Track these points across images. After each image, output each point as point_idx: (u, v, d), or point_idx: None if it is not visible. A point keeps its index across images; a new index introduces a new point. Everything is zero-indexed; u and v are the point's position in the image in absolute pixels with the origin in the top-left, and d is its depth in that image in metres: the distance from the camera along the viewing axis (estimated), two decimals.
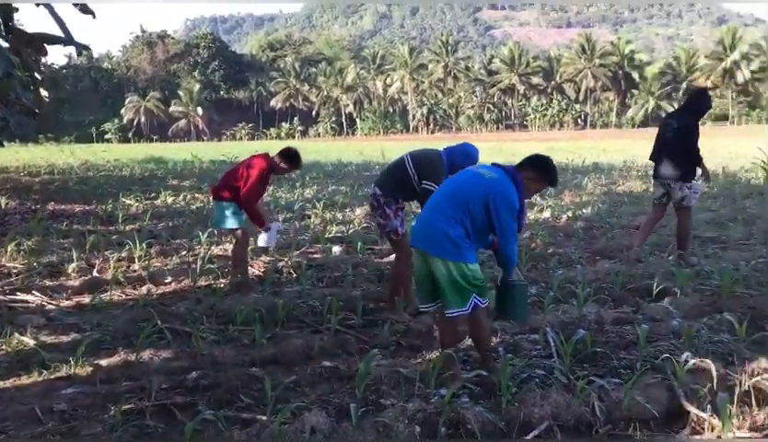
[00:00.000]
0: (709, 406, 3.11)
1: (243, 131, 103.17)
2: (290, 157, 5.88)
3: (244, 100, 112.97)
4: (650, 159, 6.91)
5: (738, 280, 5.47)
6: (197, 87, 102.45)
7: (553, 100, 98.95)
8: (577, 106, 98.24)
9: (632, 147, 34.06)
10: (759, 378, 3.34)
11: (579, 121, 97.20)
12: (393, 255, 6.88)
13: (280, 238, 6.82)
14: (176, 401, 3.43)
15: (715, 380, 3.24)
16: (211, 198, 6.24)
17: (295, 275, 6.22)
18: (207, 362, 4.00)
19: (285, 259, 6.77)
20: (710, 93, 6.78)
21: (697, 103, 6.65)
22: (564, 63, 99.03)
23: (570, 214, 9.61)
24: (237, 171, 5.83)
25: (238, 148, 39.67)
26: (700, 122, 6.60)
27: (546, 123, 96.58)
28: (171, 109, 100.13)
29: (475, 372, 3.51)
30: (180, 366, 3.96)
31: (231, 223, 5.82)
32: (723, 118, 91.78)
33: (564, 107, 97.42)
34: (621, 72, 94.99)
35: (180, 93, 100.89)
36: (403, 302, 5.05)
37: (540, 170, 3.69)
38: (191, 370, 3.87)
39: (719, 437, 2.90)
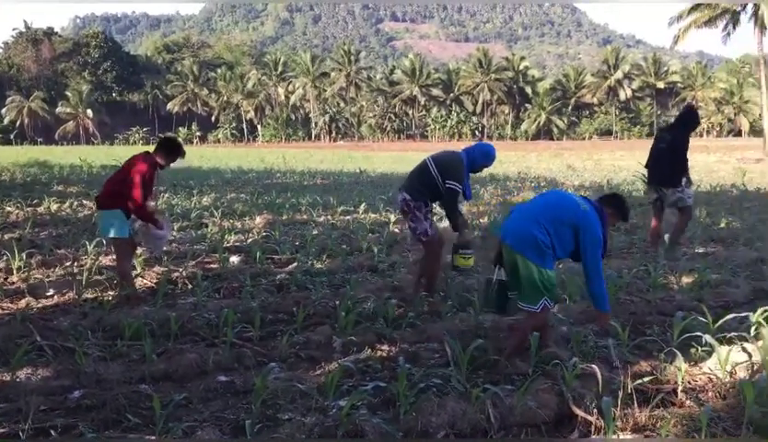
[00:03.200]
0: (595, 409, 3.24)
1: (137, 135, 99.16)
2: (169, 147, 5.70)
3: (138, 103, 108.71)
4: (645, 167, 7.82)
5: (622, 287, 5.79)
6: (87, 87, 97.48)
7: (452, 112, 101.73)
8: (475, 118, 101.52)
9: (525, 159, 35.57)
10: (640, 381, 3.54)
11: (477, 132, 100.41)
12: (294, 265, 6.85)
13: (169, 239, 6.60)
14: (55, 424, 3.20)
15: (600, 384, 3.39)
16: (95, 207, 5.87)
17: (190, 287, 6.00)
18: (91, 380, 3.75)
19: (180, 269, 6.52)
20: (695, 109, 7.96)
21: (688, 120, 7.59)
22: (462, 77, 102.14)
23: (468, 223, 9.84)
24: (119, 177, 5.58)
25: (132, 153, 38.09)
26: (692, 135, 7.66)
27: (446, 134, 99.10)
28: (58, 110, 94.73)
29: (373, 384, 3.51)
30: (60, 386, 3.70)
31: (116, 232, 5.49)
32: (607, 133, 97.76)
33: (463, 118, 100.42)
34: (515, 86, 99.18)
35: (69, 94, 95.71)
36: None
37: (618, 207, 4.23)
38: (73, 389, 3.62)
39: (604, 439, 3.03)
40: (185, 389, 3.65)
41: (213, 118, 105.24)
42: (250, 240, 8.41)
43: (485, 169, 5.94)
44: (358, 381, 3.75)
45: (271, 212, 11.03)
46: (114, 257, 6.94)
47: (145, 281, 6.14)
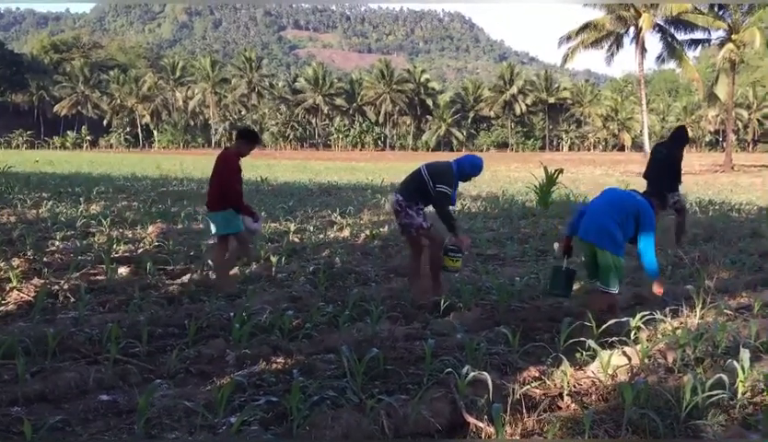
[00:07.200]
0: (486, 416, 3.30)
1: (21, 138, 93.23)
2: (249, 136, 6.28)
3: (22, 104, 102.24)
4: (643, 177, 8.99)
5: (513, 294, 5.96)
6: None
7: (355, 122, 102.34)
8: (377, 128, 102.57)
9: None
10: (529, 386, 3.64)
11: (379, 142, 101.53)
12: (188, 276, 6.60)
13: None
14: None
15: (491, 391, 3.46)
16: (209, 211, 6.36)
17: (72, 300, 5.63)
18: None
19: (61, 281, 6.11)
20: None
21: (681, 137, 8.96)
22: (365, 87, 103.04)
23: (368, 232, 9.88)
24: (215, 177, 6.17)
25: (15, 157, 35.57)
26: (685, 150, 9.03)
27: (349, 143, 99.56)
28: None
29: (265, 398, 3.41)
30: None
31: (232, 228, 6.15)
32: (504, 145, 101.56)
33: (366, 128, 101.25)
34: (416, 98, 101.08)
35: None
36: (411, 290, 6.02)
37: (661, 199, 5.54)
38: None
39: None
40: (62, 411, 3.41)
41: (105, 122, 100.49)
42: (140, 250, 8.04)
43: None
44: (251, 396, 3.63)
45: (165, 221, 10.60)
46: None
47: (21, 295, 5.71)
